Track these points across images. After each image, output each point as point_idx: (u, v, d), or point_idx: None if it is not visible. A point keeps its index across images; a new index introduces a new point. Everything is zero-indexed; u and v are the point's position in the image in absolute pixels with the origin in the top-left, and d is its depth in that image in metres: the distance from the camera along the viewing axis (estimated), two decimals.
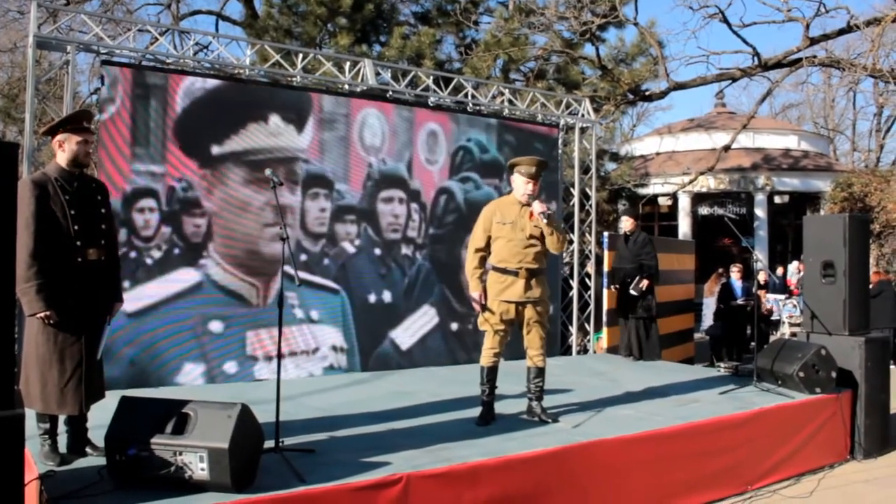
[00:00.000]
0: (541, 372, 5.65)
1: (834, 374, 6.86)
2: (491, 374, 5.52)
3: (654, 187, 20.99)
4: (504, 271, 5.45)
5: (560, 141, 9.64)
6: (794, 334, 9.92)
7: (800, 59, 15.07)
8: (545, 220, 5.45)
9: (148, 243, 6.72)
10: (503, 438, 4.96)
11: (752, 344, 8.24)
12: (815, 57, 15.38)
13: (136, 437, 3.57)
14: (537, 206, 5.47)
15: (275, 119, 7.44)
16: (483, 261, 5.55)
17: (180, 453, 3.53)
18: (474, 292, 5.50)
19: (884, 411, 7.25)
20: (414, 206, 8.28)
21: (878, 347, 7.22)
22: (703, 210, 22.69)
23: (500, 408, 5.63)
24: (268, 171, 4.75)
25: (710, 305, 11.83)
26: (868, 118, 34.74)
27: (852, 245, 7.25)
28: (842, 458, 6.84)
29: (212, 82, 7.20)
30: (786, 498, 5.88)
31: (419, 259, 8.28)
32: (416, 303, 8.24)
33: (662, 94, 16.27)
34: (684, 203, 22.62)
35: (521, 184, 5.54)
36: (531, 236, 5.48)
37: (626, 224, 9.04)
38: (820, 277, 7.33)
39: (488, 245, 5.53)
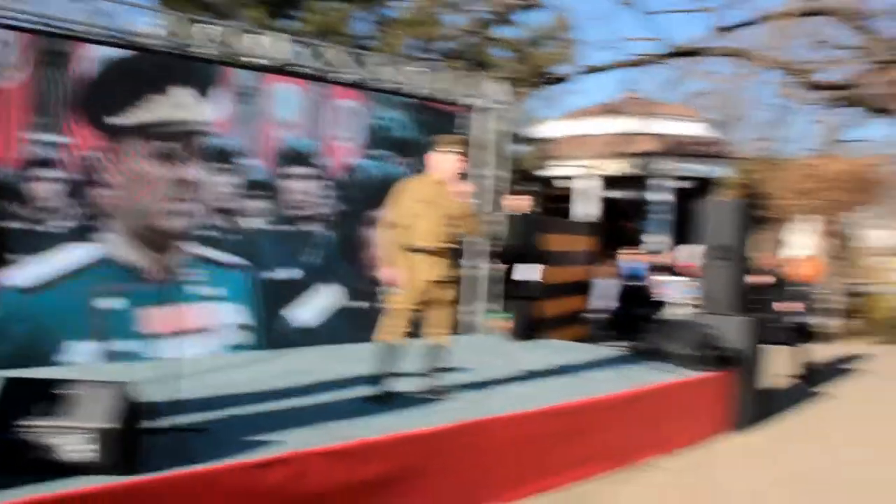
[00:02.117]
0: (442, 350, 5.76)
1: (720, 353, 7.23)
2: (395, 352, 5.58)
3: (562, 170, 21.34)
4: (422, 250, 5.48)
5: (471, 121, 9.73)
6: (685, 314, 10.31)
7: (707, 48, 15.53)
8: (467, 202, 5.55)
9: (44, 215, 6.52)
10: (400, 416, 5.06)
11: (646, 324, 8.55)
12: (721, 47, 15.86)
13: (16, 419, 3.46)
14: (461, 187, 5.55)
15: (182, 91, 7.26)
16: (400, 238, 5.51)
17: (62, 434, 3.45)
18: (390, 270, 5.50)
19: (759, 387, 7.71)
20: (325, 182, 8.25)
21: (757, 328, 7.63)
22: (609, 193, 23.21)
23: (399, 386, 5.71)
24: (174, 144, 4.66)
25: (603, 286, 12.13)
26: (771, 108, 35.90)
27: (743, 230, 7.64)
28: (724, 432, 7.22)
29: (118, 51, 6.99)
30: (668, 471, 6.17)
31: (328, 236, 8.26)
32: (323, 281, 8.23)
33: (573, 78, 16.56)
34: (591, 186, 23.10)
35: (445, 162, 5.58)
36: (451, 216, 5.54)
37: (517, 204, 9.19)
38: (712, 260, 7.67)
39: (406, 222, 5.51)
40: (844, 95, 15.67)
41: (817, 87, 15.68)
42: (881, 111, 15.78)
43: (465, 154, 5.67)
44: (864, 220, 24.15)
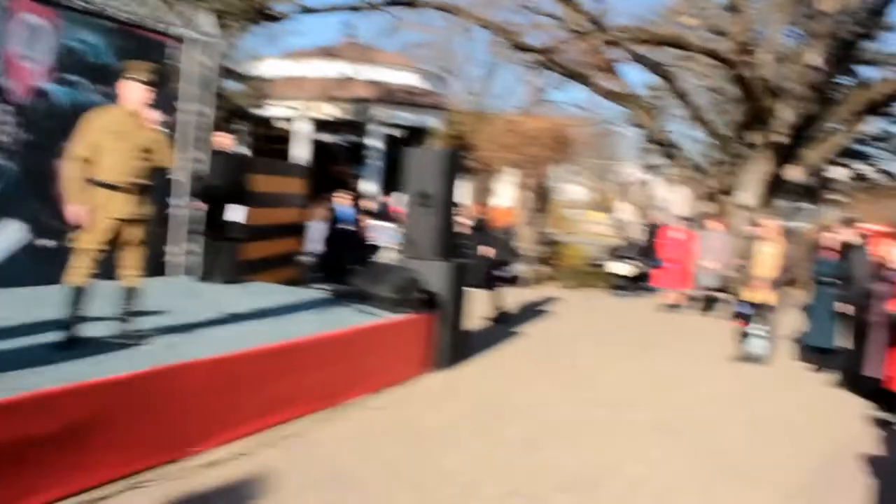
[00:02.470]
0: (135, 292, 5.46)
1: (423, 296, 7.55)
2: (82, 295, 5.17)
3: (275, 110, 20.99)
4: (110, 186, 5.08)
5: (179, 52, 9.17)
6: (392, 259, 10.65)
7: (422, 1, 15.88)
8: (158, 132, 5.24)
9: None
10: (90, 363, 4.71)
11: (354, 267, 8.71)
12: (435, 1, 16.27)
13: None
14: (153, 116, 5.22)
15: None
16: (87, 172, 5.06)
17: None
18: (76, 206, 5.03)
19: (460, 329, 8.18)
20: (4, 107, 7.38)
21: (459, 272, 8.06)
22: (323, 136, 23.23)
23: (90, 330, 5.32)
24: None
25: (316, 229, 12.17)
26: (481, 65, 37.61)
27: (447, 178, 7.96)
28: (422, 371, 7.58)
29: None
30: (371, 409, 6.40)
31: (8, 167, 7.42)
32: (4, 217, 7.42)
33: (290, 16, 16.22)
34: (304, 128, 22.98)
35: (136, 91, 5.20)
36: (142, 149, 5.19)
37: (222, 141, 8.90)
38: (415, 206, 7.93)
39: (93, 155, 5.05)
40: (546, 59, 16.77)
41: (522, 48, 16.63)
42: (578, 76, 17.11)
43: (156, 83, 5.33)
44: (561, 176, 26.32)
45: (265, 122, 19.85)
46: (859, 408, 7.60)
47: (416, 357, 7.53)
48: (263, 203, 9.52)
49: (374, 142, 23.32)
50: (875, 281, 7.82)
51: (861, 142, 28.51)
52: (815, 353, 9.24)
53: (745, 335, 9.50)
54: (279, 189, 10.51)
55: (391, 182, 23.65)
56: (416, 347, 7.51)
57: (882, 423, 7.11)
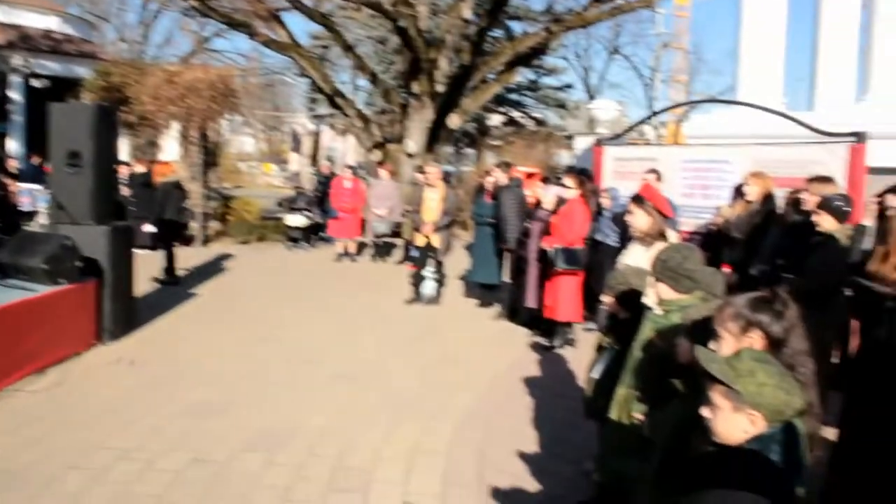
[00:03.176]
0: None
1: (79, 264, 6.89)
2: None
3: None
4: None
5: None
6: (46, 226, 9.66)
7: None
8: None
9: None
10: None
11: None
12: None
13: None
14: None
15: None
16: None
17: None
18: None
19: (127, 295, 7.63)
20: None
21: (122, 235, 7.49)
22: None
23: None
24: None
25: None
26: (137, 11, 35.10)
27: (100, 135, 7.27)
28: (89, 345, 7.00)
29: None
30: (33, 393, 5.80)
31: None
32: None
33: None
34: None
35: None
36: None
37: None
38: (65, 167, 7.19)
39: None
40: (204, 6, 15.97)
41: None
42: (239, 24, 16.51)
43: None
44: (231, 128, 25.51)
45: None
46: (522, 336, 8.27)
47: (80, 330, 6.90)
48: None
49: (14, 94, 20.86)
50: (529, 220, 8.48)
51: (514, 91, 31.01)
52: (481, 290, 9.88)
53: (417, 278, 9.91)
54: None
55: (40, 140, 21.38)
56: (79, 320, 6.88)
57: (541, 348, 7.79)
